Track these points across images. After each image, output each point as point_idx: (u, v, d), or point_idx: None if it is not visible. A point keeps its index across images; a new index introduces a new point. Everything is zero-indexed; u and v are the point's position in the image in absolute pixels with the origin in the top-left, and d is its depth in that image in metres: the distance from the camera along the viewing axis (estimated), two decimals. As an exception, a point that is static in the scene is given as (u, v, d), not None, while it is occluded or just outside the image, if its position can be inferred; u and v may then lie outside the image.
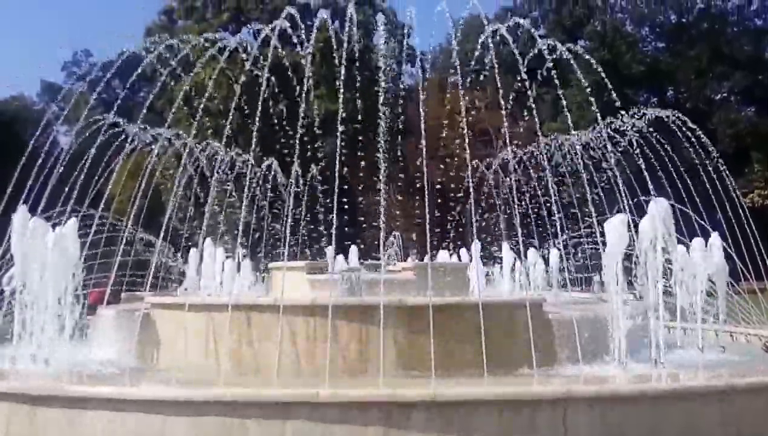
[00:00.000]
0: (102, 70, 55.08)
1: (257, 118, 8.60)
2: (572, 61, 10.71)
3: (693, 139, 12.59)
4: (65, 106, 50.93)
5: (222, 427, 6.01)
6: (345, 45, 9.96)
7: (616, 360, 7.53)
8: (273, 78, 9.90)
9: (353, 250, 13.55)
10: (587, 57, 11.43)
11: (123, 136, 11.47)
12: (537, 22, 45.67)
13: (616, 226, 7.64)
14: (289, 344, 7.53)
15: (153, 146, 11.79)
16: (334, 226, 10.18)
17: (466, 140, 9.17)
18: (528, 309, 7.50)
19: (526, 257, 12.92)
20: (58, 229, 8.13)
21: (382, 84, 9.88)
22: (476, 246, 11.23)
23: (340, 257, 13.28)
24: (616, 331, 7.58)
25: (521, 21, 11.44)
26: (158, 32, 37.65)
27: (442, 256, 14.12)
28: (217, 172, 12.00)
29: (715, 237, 9.77)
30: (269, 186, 13.93)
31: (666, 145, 13.03)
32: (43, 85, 54.05)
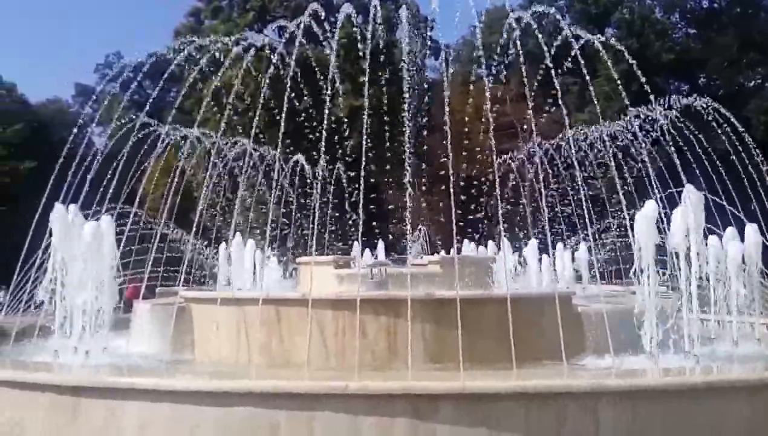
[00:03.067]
0: (133, 71, 56.20)
1: (283, 115, 8.70)
2: (600, 49, 10.49)
3: (726, 127, 12.22)
4: (99, 107, 51.99)
5: (252, 418, 6.13)
6: (369, 40, 9.99)
7: (647, 353, 7.46)
8: (299, 74, 9.98)
9: (380, 244, 13.64)
10: (614, 44, 11.10)
11: (155, 135, 11.68)
12: (563, 11, 45.01)
13: (646, 214, 7.54)
14: (317, 338, 7.64)
15: (183, 145, 12.00)
16: (361, 220, 10.25)
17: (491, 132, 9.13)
18: (557, 302, 7.47)
19: (554, 248, 12.80)
20: (95, 222, 8.31)
21: (406, 78, 9.88)
22: (504, 241, 11.18)
23: (367, 251, 13.36)
24: (647, 323, 7.50)
25: (545, 10, 11.23)
26: (186, 33, 38.18)
27: (467, 248, 14.07)
28: (246, 169, 12.15)
29: (750, 228, 9.55)
30: (297, 182, 14.07)
31: (699, 134, 12.69)
32: (77, 88, 55.13)
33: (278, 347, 7.89)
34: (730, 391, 6.51)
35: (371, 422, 6.01)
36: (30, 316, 9.73)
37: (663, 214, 7.77)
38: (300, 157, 14.03)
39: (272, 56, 9.88)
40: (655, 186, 9.33)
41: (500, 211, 10.67)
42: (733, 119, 12.09)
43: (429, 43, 37.99)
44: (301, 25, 10.01)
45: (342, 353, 7.56)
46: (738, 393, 6.48)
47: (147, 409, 6.31)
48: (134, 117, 11.11)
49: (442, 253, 14.44)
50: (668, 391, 6.38)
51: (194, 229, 10.40)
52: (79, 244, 8.05)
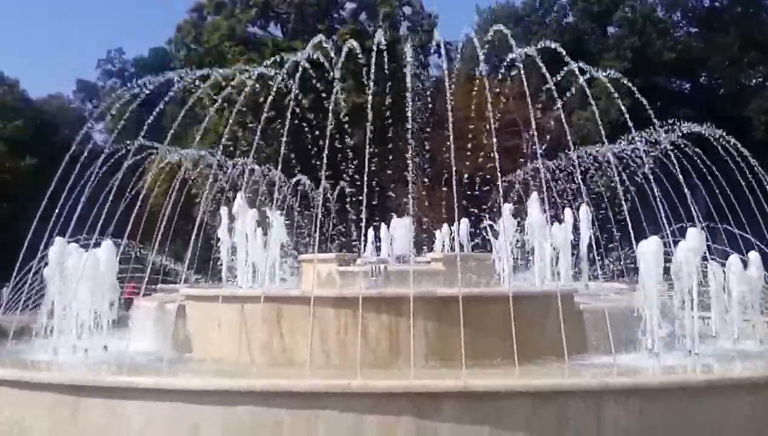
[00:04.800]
0: (135, 67, 56.09)
1: (285, 131, 8.72)
2: (604, 81, 10.46)
3: (733, 153, 12.07)
4: (100, 103, 51.94)
5: (255, 417, 6.13)
6: (376, 39, 9.96)
7: (649, 351, 7.46)
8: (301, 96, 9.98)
9: (383, 241, 13.59)
10: (620, 77, 10.92)
11: (153, 156, 11.64)
12: (565, 9, 44.95)
13: (651, 251, 7.55)
14: (319, 336, 7.63)
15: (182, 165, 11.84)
16: (364, 218, 10.23)
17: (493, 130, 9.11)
18: (559, 300, 7.47)
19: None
20: (93, 252, 8.40)
21: (409, 76, 9.85)
22: (507, 240, 11.10)
23: (370, 248, 13.34)
24: (649, 322, 7.50)
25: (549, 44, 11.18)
26: (188, 29, 38.09)
27: (464, 224, 13.88)
28: (248, 182, 12.10)
29: (753, 255, 9.59)
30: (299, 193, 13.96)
31: (703, 158, 12.56)
32: (79, 84, 55.08)
33: (280, 344, 7.88)
34: (731, 389, 6.51)
35: (374, 421, 6.01)
36: (28, 315, 9.75)
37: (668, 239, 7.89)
38: (303, 178, 13.86)
39: (273, 85, 9.87)
40: (659, 205, 9.32)
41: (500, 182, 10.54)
42: (741, 148, 11.90)
43: (433, 40, 37.99)
44: (305, 55, 9.94)
45: (344, 351, 7.55)
46: (740, 391, 6.49)
47: (148, 408, 6.32)
48: (129, 143, 10.93)
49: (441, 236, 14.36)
50: (670, 389, 6.38)
51: (195, 229, 10.36)
52: (76, 275, 8.17)
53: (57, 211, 9.47)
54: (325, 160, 8.66)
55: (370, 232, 13.02)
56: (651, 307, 7.53)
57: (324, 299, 7.84)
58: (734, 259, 9.17)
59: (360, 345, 7.21)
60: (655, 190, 9.22)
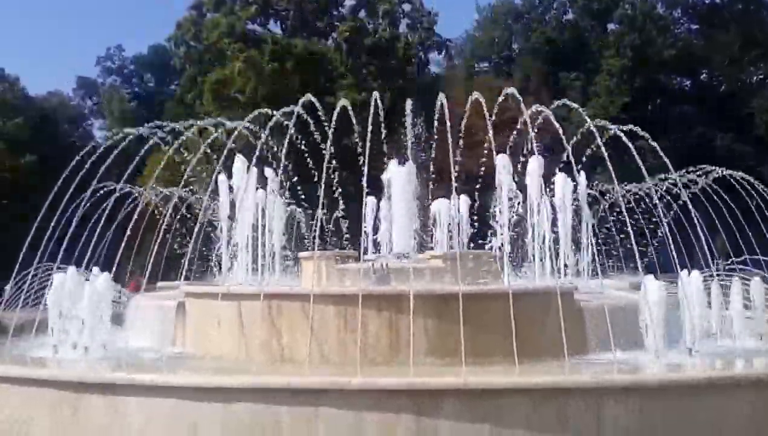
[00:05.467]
0: (134, 65, 55.99)
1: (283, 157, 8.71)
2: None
3: (752, 193, 12.06)
4: (100, 100, 51.85)
5: (254, 414, 6.13)
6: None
7: (649, 349, 7.45)
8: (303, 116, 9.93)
9: (382, 239, 13.51)
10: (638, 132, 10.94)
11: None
12: (565, 6, 44.87)
13: (655, 291, 7.55)
14: (319, 333, 7.61)
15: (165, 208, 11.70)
16: (363, 215, 10.19)
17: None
18: (559, 298, 7.46)
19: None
20: (92, 283, 8.51)
21: (409, 73, 9.81)
22: (505, 234, 11.03)
23: (370, 245, 13.27)
24: (650, 320, 7.49)
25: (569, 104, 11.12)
26: (188, 26, 38.02)
27: (464, 202, 13.74)
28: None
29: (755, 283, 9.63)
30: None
31: (728, 202, 12.58)
32: (78, 81, 54.99)
33: (280, 342, 7.86)
34: (731, 387, 6.50)
35: (374, 418, 6.01)
36: (28, 312, 9.76)
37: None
38: (298, 210, 13.65)
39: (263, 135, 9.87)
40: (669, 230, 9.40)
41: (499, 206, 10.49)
42: (758, 185, 11.89)
43: (432, 36, 37.86)
44: (296, 112, 9.88)
45: (344, 349, 7.54)
46: (740, 390, 6.48)
47: (149, 405, 6.31)
48: (108, 185, 10.89)
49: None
50: (670, 387, 6.38)
51: (196, 229, 10.33)
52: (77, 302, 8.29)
53: (53, 223, 9.51)
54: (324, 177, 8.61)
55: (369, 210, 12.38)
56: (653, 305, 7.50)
57: (324, 296, 7.82)
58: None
59: (360, 342, 7.20)
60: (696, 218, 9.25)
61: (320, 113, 9.94)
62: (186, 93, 38.80)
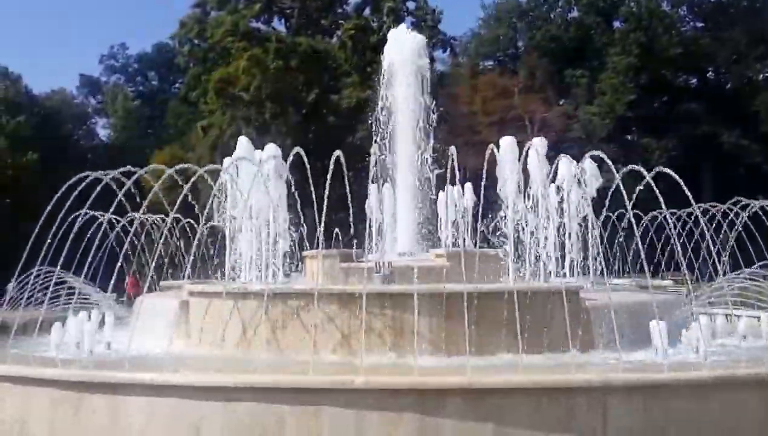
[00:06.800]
0: (138, 63, 56.04)
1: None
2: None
3: None
4: (104, 99, 51.90)
5: (257, 413, 6.09)
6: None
7: (655, 348, 7.39)
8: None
9: (387, 238, 13.46)
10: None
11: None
12: (570, 3, 44.71)
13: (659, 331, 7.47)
14: (323, 332, 7.58)
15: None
16: (368, 214, 10.14)
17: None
18: (564, 296, 7.40)
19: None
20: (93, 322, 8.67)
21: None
22: (510, 234, 10.96)
23: (375, 245, 13.21)
24: (656, 318, 7.43)
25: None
26: (192, 24, 38.02)
27: (468, 191, 13.56)
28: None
29: None
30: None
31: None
32: (81, 80, 55.12)
33: (283, 341, 7.83)
34: (738, 386, 6.43)
35: (377, 417, 5.96)
36: (31, 311, 9.74)
37: None
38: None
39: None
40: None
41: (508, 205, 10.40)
42: None
43: (437, 34, 37.73)
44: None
45: (348, 346, 7.50)
46: (747, 388, 6.41)
47: (151, 403, 6.28)
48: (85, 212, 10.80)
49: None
50: (675, 386, 6.31)
51: (200, 227, 10.27)
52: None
53: (53, 230, 9.50)
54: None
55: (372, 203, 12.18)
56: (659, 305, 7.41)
57: (328, 295, 7.79)
58: None
59: (364, 341, 7.16)
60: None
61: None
62: (190, 91, 38.88)
